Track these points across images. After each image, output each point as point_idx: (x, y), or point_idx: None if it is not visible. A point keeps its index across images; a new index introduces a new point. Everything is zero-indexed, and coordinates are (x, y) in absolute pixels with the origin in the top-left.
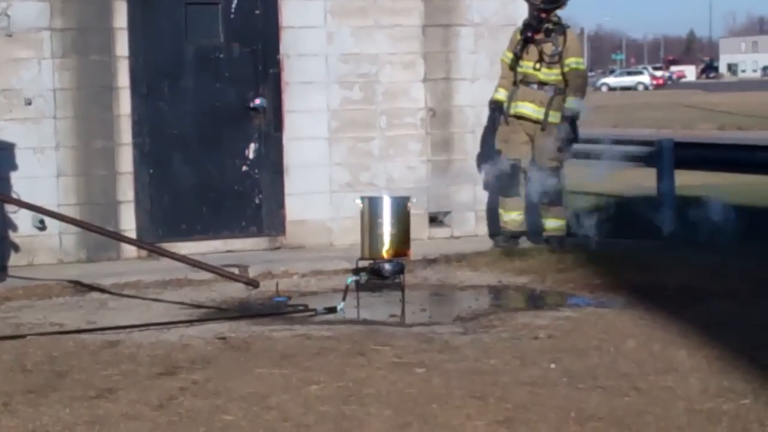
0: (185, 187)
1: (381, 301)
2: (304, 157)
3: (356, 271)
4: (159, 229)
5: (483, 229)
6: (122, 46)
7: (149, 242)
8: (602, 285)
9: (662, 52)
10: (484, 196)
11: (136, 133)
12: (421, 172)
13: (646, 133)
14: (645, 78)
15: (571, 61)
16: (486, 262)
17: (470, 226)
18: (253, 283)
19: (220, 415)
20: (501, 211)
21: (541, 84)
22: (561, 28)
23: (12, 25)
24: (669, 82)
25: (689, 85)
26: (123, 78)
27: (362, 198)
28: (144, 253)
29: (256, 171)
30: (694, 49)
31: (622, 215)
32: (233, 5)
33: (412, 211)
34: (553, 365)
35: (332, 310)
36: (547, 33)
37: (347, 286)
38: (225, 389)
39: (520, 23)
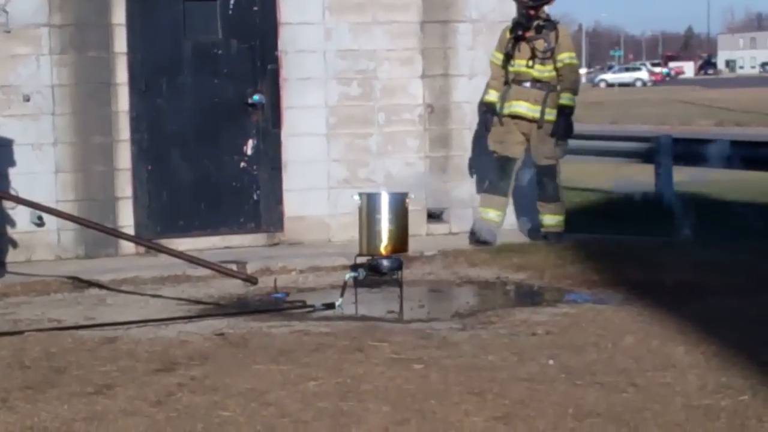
0: (183, 183)
1: (379, 298)
2: (302, 154)
3: (354, 267)
4: (157, 225)
5: None
6: (120, 43)
7: (147, 238)
8: (600, 281)
9: (660, 49)
10: None
11: (135, 129)
12: (420, 169)
13: (644, 130)
14: (643, 74)
15: (565, 57)
16: (484, 258)
17: (468, 223)
18: (251, 280)
19: (218, 411)
20: (482, 207)
21: (535, 81)
22: (552, 24)
23: (10, 21)
24: (667, 79)
25: (687, 82)
26: (121, 74)
27: (360, 194)
28: (142, 249)
29: (254, 167)
30: (693, 46)
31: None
32: (231, 1)
33: (410, 208)
34: (551, 361)
35: (330, 306)
36: (538, 30)
37: (345, 282)
38: (223, 385)
39: (510, 22)
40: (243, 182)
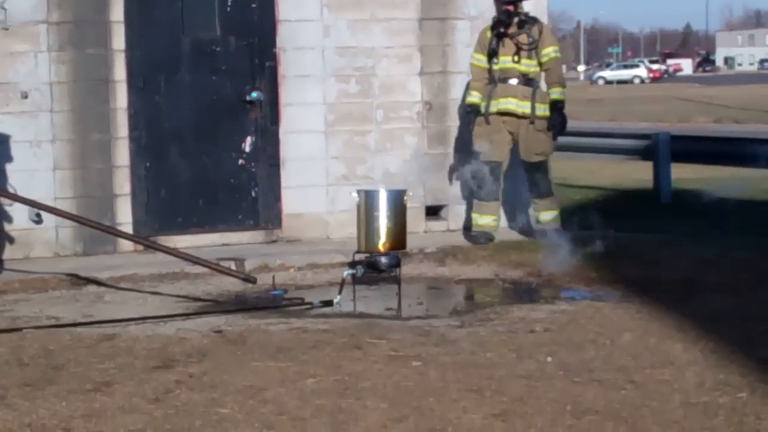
0: (182, 180)
1: (377, 295)
2: (301, 151)
3: (352, 265)
4: (156, 222)
5: None
6: (119, 40)
7: (146, 236)
8: (598, 278)
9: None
10: None
11: (133, 126)
12: (417, 161)
13: (642, 127)
14: (641, 71)
15: (550, 50)
16: (482, 255)
17: (467, 220)
18: (250, 279)
19: (216, 409)
20: (476, 215)
21: (521, 77)
22: (532, 19)
23: (8, 18)
24: (665, 76)
25: (686, 79)
26: (119, 71)
27: (359, 191)
28: (140, 246)
29: (253, 164)
30: (691, 43)
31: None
32: None
33: (409, 205)
34: (549, 358)
35: (328, 303)
36: (520, 25)
37: (343, 280)
38: (221, 382)
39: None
40: (241, 179)
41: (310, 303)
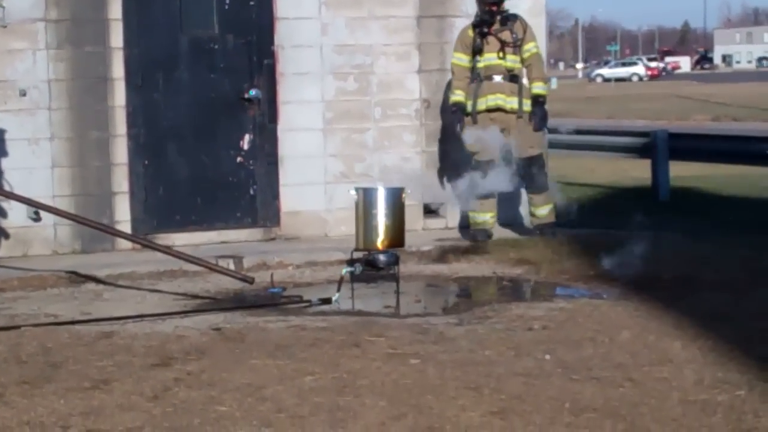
0: (180, 178)
1: (376, 292)
2: (299, 148)
3: (351, 262)
4: (154, 220)
5: None
6: (117, 37)
7: (144, 233)
8: (597, 276)
9: (657, 43)
10: None
11: (131, 124)
12: (416, 163)
13: (640, 125)
14: (640, 69)
15: (531, 46)
16: (481, 253)
17: (465, 217)
18: (247, 279)
19: (215, 406)
20: (473, 213)
21: (507, 73)
22: (514, 16)
23: (7, 16)
24: (664, 73)
25: (684, 76)
26: (118, 69)
27: (357, 189)
28: (138, 245)
29: (251, 162)
30: (689, 40)
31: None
32: None
33: (407, 202)
34: (547, 356)
35: (327, 301)
36: (503, 22)
37: (342, 277)
38: (219, 380)
39: (470, 21)
40: (239, 177)
41: (308, 301)
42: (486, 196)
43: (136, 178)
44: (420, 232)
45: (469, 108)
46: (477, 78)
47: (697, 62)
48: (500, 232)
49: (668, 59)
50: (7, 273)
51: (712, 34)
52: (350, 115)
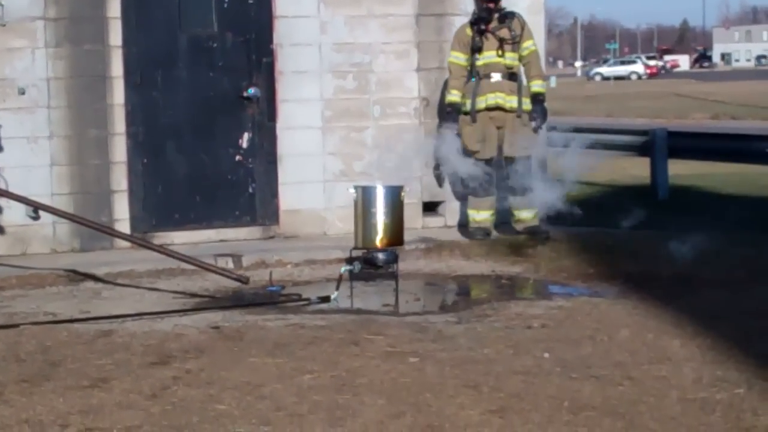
0: (179, 176)
1: (374, 291)
2: (298, 147)
3: (350, 261)
4: (152, 218)
5: None
6: (116, 36)
7: (143, 231)
8: (596, 274)
9: (656, 42)
10: None
11: (130, 122)
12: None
13: (639, 123)
14: (638, 67)
15: (529, 44)
16: (479, 251)
17: (464, 215)
18: (242, 280)
19: (214, 405)
20: (472, 211)
21: (506, 71)
22: (511, 14)
23: (6, 14)
24: (662, 72)
25: (683, 75)
26: (116, 67)
27: (356, 187)
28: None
29: (250, 160)
30: (688, 39)
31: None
32: None
33: (406, 201)
34: (546, 354)
35: (326, 299)
36: (501, 20)
37: (341, 276)
38: (218, 378)
39: (467, 19)
40: (238, 175)
41: (307, 299)
42: (484, 195)
43: (135, 177)
44: (419, 230)
45: (468, 107)
46: (476, 76)
47: (696, 61)
48: (499, 231)
49: (667, 58)
50: (6, 271)
51: (711, 33)
52: (349, 113)
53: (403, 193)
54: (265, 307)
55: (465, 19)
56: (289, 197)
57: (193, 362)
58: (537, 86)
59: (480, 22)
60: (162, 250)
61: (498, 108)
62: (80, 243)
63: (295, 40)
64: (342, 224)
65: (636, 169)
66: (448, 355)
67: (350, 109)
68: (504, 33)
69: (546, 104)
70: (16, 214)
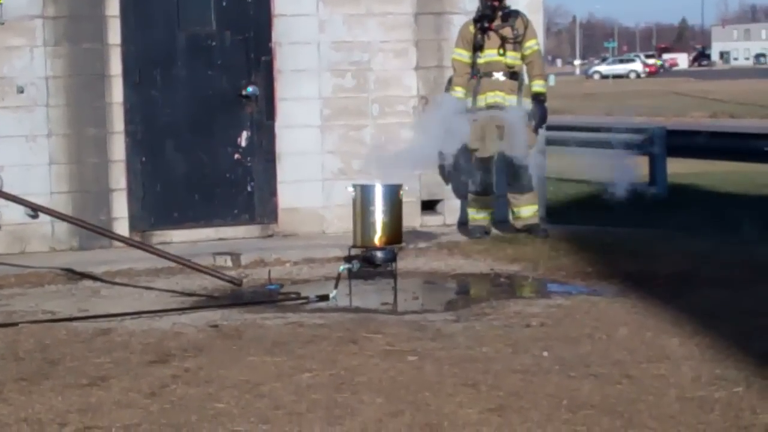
0: (177, 175)
1: (373, 289)
2: (297, 145)
3: (348, 259)
4: (151, 216)
5: None
6: (114, 34)
7: (141, 230)
8: (594, 273)
9: (654, 40)
10: None
11: (129, 121)
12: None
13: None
14: (637, 66)
15: (532, 43)
16: (478, 250)
17: (462, 214)
18: (235, 282)
19: (212, 403)
20: (472, 209)
21: (507, 69)
22: (515, 12)
23: (4, 12)
24: (661, 70)
25: (681, 73)
26: (115, 66)
27: (354, 186)
28: (136, 240)
29: (249, 159)
30: (687, 37)
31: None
32: None
33: (405, 199)
34: (545, 353)
35: (324, 298)
36: (504, 18)
37: (339, 274)
38: (217, 377)
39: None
40: (237, 174)
41: (306, 297)
42: (484, 193)
43: (134, 175)
44: (418, 228)
45: (469, 105)
46: (477, 74)
47: (695, 59)
48: (498, 229)
49: (666, 56)
50: (5, 270)
51: (710, 31)
52: (348, 112)
53: (401, 192)
54: (264, 306)
55: (464, 18)
56: (287, 196)
57: (191, 361)
58: (538, 86)
59: (483, 20)
60: (156, 251)
61: (498, 107)
62: (79, 241)
63: (294, 39)
64: (342, 224)
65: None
66: (447, 353)
67: (349, 108)
68: (507, 32)
69: (546, 104)
70: (15, 212)
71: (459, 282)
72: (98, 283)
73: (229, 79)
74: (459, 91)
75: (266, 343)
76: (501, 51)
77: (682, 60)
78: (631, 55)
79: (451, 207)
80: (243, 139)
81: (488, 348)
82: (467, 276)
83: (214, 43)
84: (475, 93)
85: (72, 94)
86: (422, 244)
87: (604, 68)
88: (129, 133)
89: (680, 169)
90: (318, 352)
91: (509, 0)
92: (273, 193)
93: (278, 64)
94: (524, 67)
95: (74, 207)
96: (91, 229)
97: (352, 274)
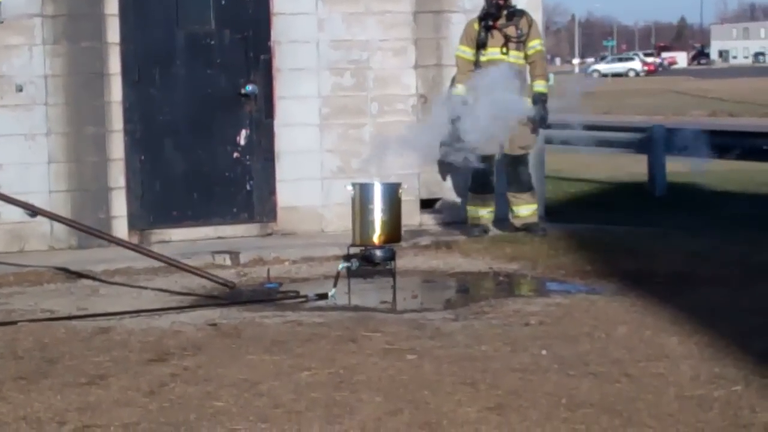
0: (176, 173)
1: (372, 288)
2: (296, 144)
3: (347, 258)
4: (150, 215)
5: None
6: (113, 33)
7: (140, 228)
8: (593, 271)
9: (653, 39)
10: None
11: (128, 119)
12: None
13: (637, 120)
14: (636, 64)
15: (536, 43)
16: (477, 248)
17: (461, 212)
18: (228, 284)
19: (211, 402)
20: (471, 208)
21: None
22: (520, 12)
23: (3, 11)
24: (660, 69)
25: (680, 72)
26: (114, 64)
27: (353, 184)
28: (134, 240)
29: (248, 157)
30: (686, 36)
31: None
32: None
33: (404, 198)
34: (544, 352)
35: (323, 296)
36: (509, 17)
37: (338, 273)
38: (216, 375)
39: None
40: (236, 173)
41: (305, 296)
42: (484, 191)
43: (133, 174)
44: (417, 227)
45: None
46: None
47: (694, 58)
48: (497, 228)
49: (665, 55)
50: (4, 268)
51: (709, 30)
52: (347, 110)
53: (400, 190)
54: (263, 305)
55: (463, 16)
56: (286, 194)
57: (190, 359)
58: (539, 86)
59: (488, 18)
60: (150, 253)
61: None
62: (78, 240)
63: (293, 37)
64: (341, 223)
65: (634, 167)
66: (446, 352)
67: (348, 106)
68: (511, 30)
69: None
70: (13, 211)
71: (458, 280)
72: (97, 282)
73: (228, 77)
74: (461, 88)
75: (265, 341)
76: (504, 50)
77: (681, 59)
78: (630, 53)
79: (451, 205)
80: (242, 138)
81: (487, 347)
82: (466, 275)
83: (213, 42)
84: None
85: (71, 92)
86: (421, 243)
87: (603, 67)
88: (128, 132)
89: (679, 167)
90: (317, 351)
91: None
92: (272, 191)
93: (277, 62)
94: (527, 67)
95: (73, 206)
96: (85, 230)
97: (351, 273)
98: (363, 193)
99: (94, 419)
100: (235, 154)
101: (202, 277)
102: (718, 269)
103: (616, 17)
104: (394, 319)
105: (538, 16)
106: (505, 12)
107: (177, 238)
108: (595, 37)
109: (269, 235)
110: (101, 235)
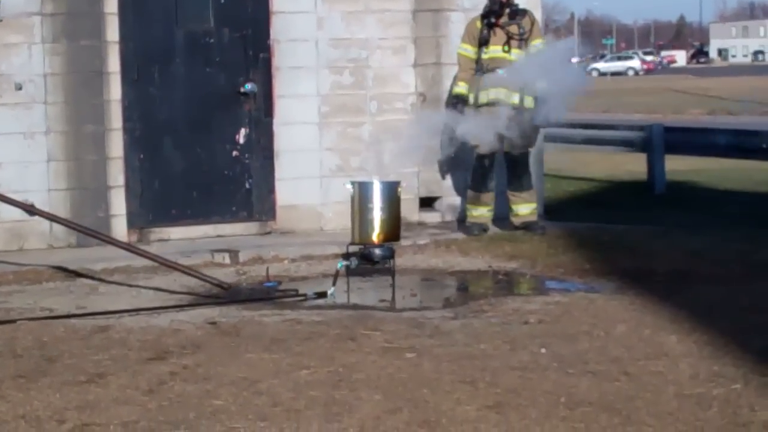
0: (176, 172)
1: (371, 286)
2: (295, 142)
3: (346, 256)
4: (149, 213)
5: None
6: (113, 31)
7: (139, 227)
8: (592, 270)
9: (653, 37)
10: None
11: (127, 118)
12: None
13: (636, 119)
14: (635, 63)
15: (538, 43)
16: (476, 246)
17: (461, 211)
18: (222, 286)
19: (210, 400)
20: (470, 206)
21: (510, 66)
22: (522, 11)
23: (2, 10)
24: (659, 67)
25: (680, 70)
26: (113, 63)
27: (352, 183)
28: (134, 238)
29: (247, 156)
30: (685, 34)
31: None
32: None
33: (403, 196)
34: (543, 350)
35: (322, 295)
36: (511, 16)
37: (337, 271)
38: (215, 374)
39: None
40: (235, 171)
41: (304, 294)
42: (483, 190)
43: (132, 172)
44: (416, 225)
45: (471, 100)
46: (480, 70)
47: (693, 56)
48: (496, 226)
49: (664, 53)
50: (3, 267)
51: (708, 28)
52: (346, 109)
53: (399, 189)
54: (262, 303)
55: (462, 15)
56: (285, 193)
57: (189, 358)
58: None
59: (490, 16)
60: (147, 254)
61: (500, 103)
62: (77, 239)
63: (292, 36)
64: (340, 221)
65: (633, 165)
66: (445, 350)
67: (347, 105)
68: (513, 29)
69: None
70: (13, 209)
71: (457, 279)
72: (96, 281)
73: (227, 76)
74: (461, 87)
75: (264, 340)
76: (506, 48)
77: (681, 57)
78: (630, 52)
79: (450, 204)
80: (241, 136)
81: (486, 345)
82: (465, 273)
83: (212, 40)
84: (477, 89)
85: (70, 91)
86: (420, 241)
87: (602, 65)
88: (127, 130)
89: (678, 166)
90: (316, 349)
91: None
92: (271, 190)
93: (276, 61)
94: None
95: (72, 204)
96: (81, 230)
97: (350, 271)
98: (362, 192)
99: (94, 417)
100: (235, 153)
101: (196, 277)
102: (718, 267)
103: (616, 16)
104: (393, 317)
105: (537, 15)
106: (507, 10)
107: (176, 236)
108: (595, 36)
109: (268, 233)
110: (96, 234)
